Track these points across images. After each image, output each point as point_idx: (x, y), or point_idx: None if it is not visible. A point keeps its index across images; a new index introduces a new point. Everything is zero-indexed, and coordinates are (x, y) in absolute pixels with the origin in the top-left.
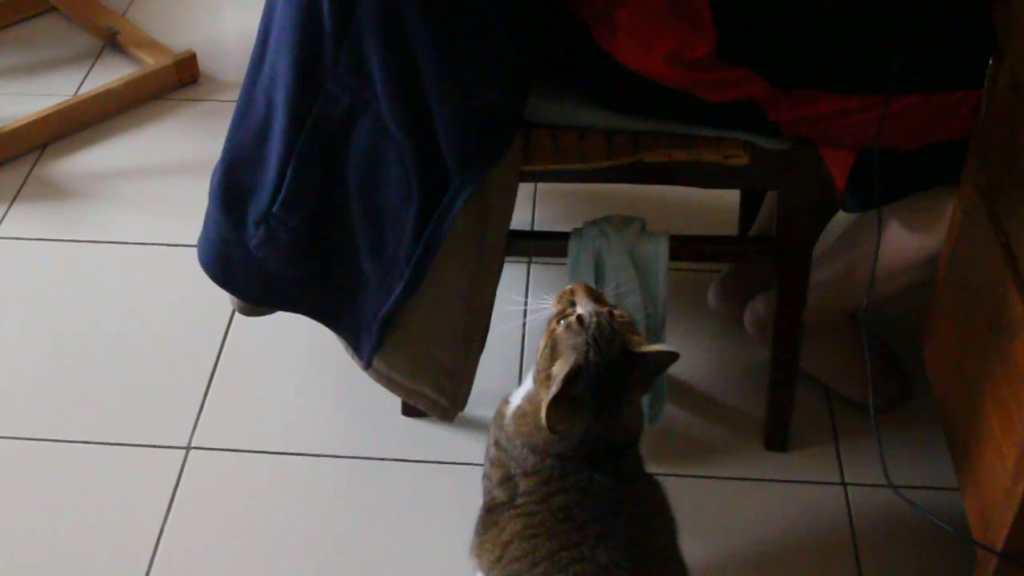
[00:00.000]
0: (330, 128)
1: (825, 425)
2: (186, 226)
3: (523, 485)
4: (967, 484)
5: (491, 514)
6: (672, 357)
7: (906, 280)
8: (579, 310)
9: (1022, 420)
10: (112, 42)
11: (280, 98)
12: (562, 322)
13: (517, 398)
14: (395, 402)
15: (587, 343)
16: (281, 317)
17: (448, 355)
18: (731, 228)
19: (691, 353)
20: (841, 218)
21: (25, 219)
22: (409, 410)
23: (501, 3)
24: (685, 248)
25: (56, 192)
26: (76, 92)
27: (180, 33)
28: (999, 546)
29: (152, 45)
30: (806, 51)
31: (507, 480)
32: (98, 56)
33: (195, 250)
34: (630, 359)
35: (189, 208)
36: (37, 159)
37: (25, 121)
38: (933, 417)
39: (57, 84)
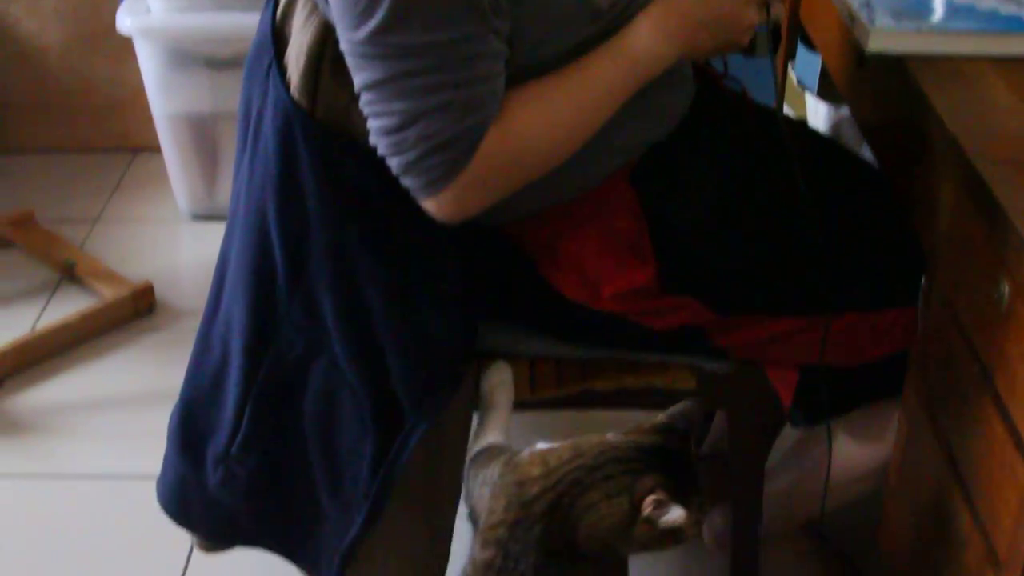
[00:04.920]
0: (286, 372)
1: None
2: (147, 458)
3: None
4: None
5: None
6: None
7: (857, 490)
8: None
9: None
10: (70, 275)
11: (236, 342)
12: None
13: None
14: None
15: None
16: (241, 550)
17: None
18: None
19: (650, 566)
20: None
21: None
22: None
23: (449, 243)
24: None
25: (14, 427)
26: (34, 327)
27: (137, 263)
28: None
29: (109, 276)
30: (745, 278)
31: None
32: (55, 289)
33: (155, 482)
34: None
35: (149, 440)
36: None
37: None
38: None
39: (14, 318)
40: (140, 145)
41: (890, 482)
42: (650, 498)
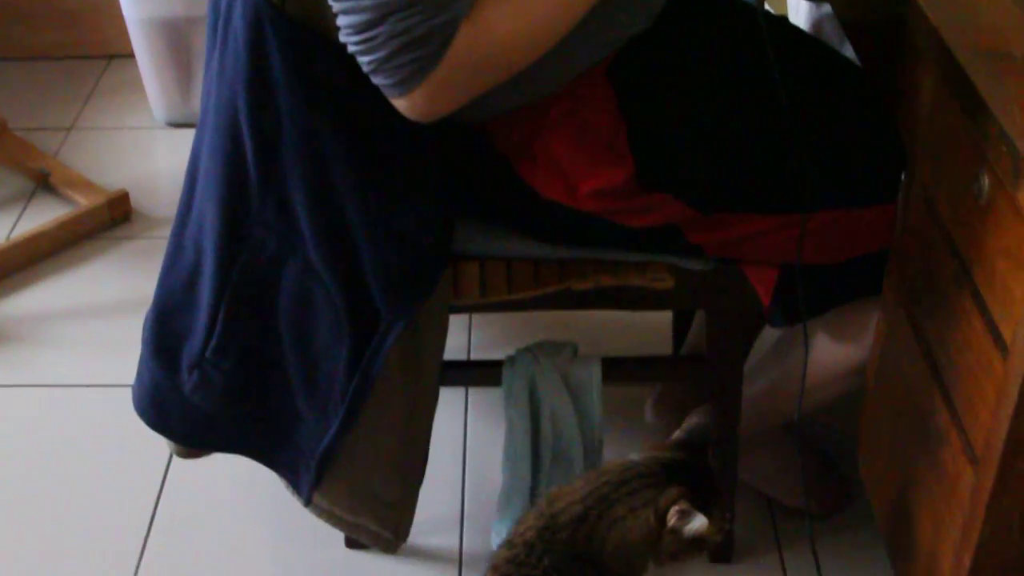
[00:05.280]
0: (259, 273)
1: (768, 535)
2: (125, 366)
3: None
4: None
5: None
6: None
7: (836, 390)
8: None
9: (955, 526)
10: (44, 183)
11: (208, 244)
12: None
13: None
14: (338, 536)
15: None
16: (219, 456)
17: (388, 487)
18: (665, 345)
19: None
20: (772, 330)
21: None
22: (352, 543)
23: (423, 141)
24: (617, 370)
25: None
26: (9, 235)
27: (112, 171)
28: None
29: (84, 185)
30: (723, 174)
31: None
32: (30, 198)
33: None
34: None
35: (126, 348)
36: None
37: None
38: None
39: None
40: (114, 51)
41: (869, 381)
42: (674, 508)
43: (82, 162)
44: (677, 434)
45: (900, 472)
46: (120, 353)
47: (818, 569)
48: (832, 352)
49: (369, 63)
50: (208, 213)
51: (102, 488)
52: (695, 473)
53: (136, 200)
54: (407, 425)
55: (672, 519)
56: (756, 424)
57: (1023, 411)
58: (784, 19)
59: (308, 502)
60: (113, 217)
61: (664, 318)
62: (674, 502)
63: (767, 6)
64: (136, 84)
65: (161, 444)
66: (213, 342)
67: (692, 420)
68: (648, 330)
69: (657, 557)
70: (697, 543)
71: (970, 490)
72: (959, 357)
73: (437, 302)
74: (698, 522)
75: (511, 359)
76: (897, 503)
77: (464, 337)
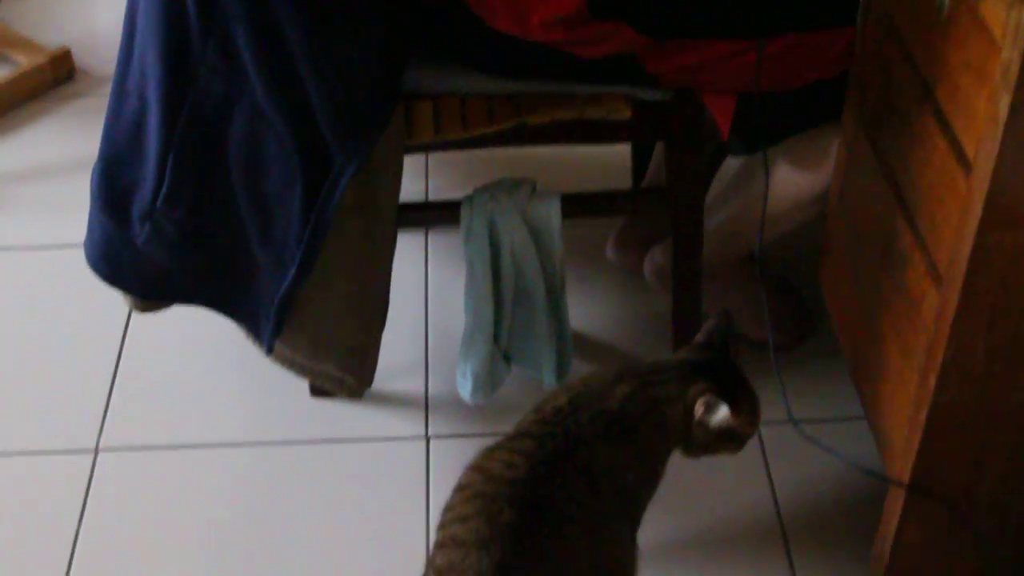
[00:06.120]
0: (206, 118)
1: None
2: (75, 227)
3: None
4: (873, 416)
5: None
6: None
7: (798, 218)
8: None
9: (920, 346)
10: None
11: (152, 92)
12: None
13: None
14: (302, 384)
15: None
16: (179, 310)
17: (349, 332)
18: (625, 181)
19: (593, 307)
20: (733, 163)
21: None
22: (317, 390)
23: None
24: (577, 206)
25: None
26: None
27: (53, 30)
28: (906, 474)
29: (25, 44)
30: None
31: None
32: None
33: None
34: None
35: (76, 208)
36: None
37: None
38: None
39: None
40: None
41: (831, 208)
42: (700, 400)
43: (21, 21)
44: (698, 337)
45: (864, 297)
46: (70, 214)
47: (785, 400)
48: (793, 180)
49: None
50: (149, 58)
51: (61, 349)
52: (720, 371)
53: (79, 58)
54: (365, 269)
55: (699, 411)
56: (718, 256)
57: (986, 227)
58: None
59: (270, 351)
60: (56, 76)
61: (623, 155)
62: (700, 395)
63: None
64: None
65: (119, 302)
66: (163, 192)
67: (710, 323)
68: (607, 167)
69: (689, 449)
70: (727, 436)
71: (935, 310)
72: (922, 178)
73: (390, 142)
74: (722, 413)
75: (469, 198)
76: (861, 328)
77: (421, 183)
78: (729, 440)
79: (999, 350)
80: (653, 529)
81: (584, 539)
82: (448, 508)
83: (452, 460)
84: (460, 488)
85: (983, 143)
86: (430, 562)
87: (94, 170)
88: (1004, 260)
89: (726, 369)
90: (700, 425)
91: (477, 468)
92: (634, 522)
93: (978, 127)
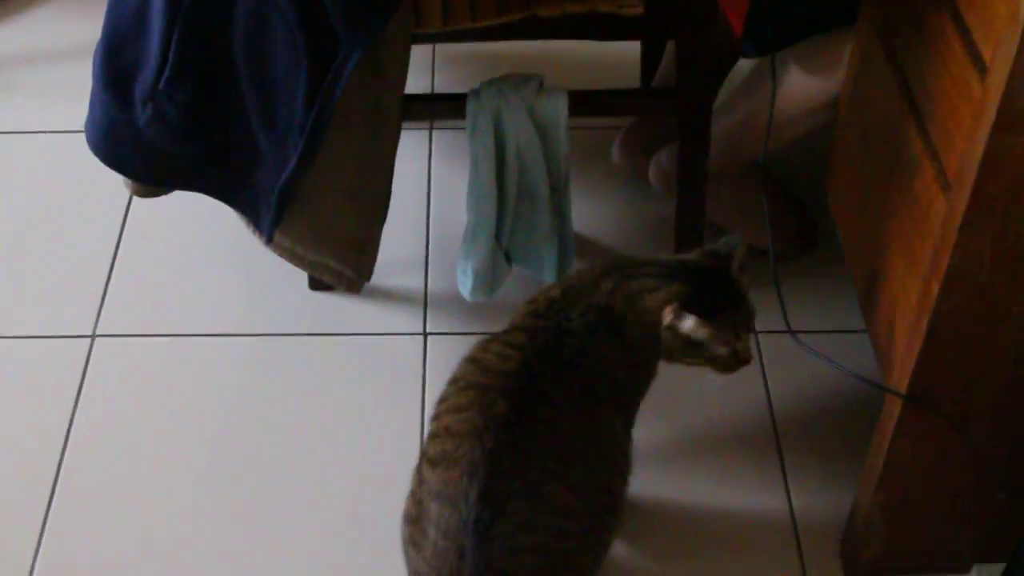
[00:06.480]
0: None
1: None
2: (76, 111)
3: None
4: (873, 325)
5: None
6: None
7: (808, 124)
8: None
9: (925, 255)
10: None
11: None
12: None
13: None
14: (301, 277)
15: None
16: (180, 197)
17: (350, 225)
18: (633, 82)
19: (597, 209)
20: (743, 67)
21: None
22: (316, 284)
23: None
24: (584, 103)
25: None
26: None
27: None
28: (904, 384)
29: None
30: None
31: None
32: None
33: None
34: None
35: (78, 93)
36: None
37: None
38: (840, 264)
39: None
40: None
41: (841, 113)
42: (669, 307)
43: None
44: (706, 245)
45: (871, 204)
46: (72, 98)
47: (783, 310)
48: (804, 85)
49: None
50: None
51: (61, 235)
52: (713, 280)
53: None
54: (368, 160)
55: (667, 316)
56: (725, 161)
57: (999, 131)
58: None
59: (269, 240)
60: None
61: (633, 55)
62: (669, 301)
63: None
64: None
65: (119, 189)
66: (166, 73)
67: (729, 237)
68: (616, 67)
69: (665, 352)
70: (697, 349)
71: (942, 217)
72: (935, 82)
73: (398, 30)
74: (687, 323)
75: (475, 92)
76: (867, 234)
77: (427, 77)
78: (700, 354)
79: (1006, 257)
80: (647, 431)
81: (576, 430)
82: (442, 399)
83: (449, 357)
84: (454, 380)
85: (1000, 45)
86: (424, 452)
87: (97, 49)
88: (1015, 165)
89: (718, 280)
90: (669, 330)
91: (472, 360)
92: (627, 419)
93: (997, 29)
